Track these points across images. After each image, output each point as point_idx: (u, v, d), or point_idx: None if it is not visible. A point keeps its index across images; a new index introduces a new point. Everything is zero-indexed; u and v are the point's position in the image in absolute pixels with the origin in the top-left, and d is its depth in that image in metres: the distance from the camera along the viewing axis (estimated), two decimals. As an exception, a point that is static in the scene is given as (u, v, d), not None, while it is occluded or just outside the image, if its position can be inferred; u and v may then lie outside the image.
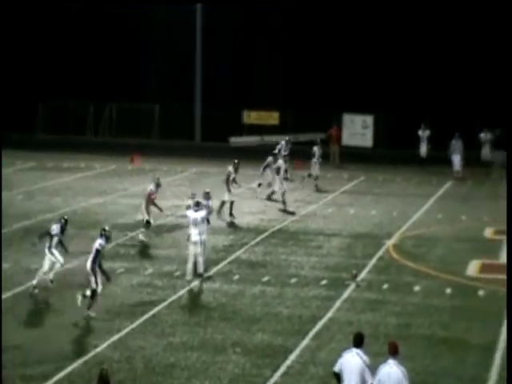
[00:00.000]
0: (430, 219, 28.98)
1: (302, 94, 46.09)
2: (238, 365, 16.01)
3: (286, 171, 30.64)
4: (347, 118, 46.31)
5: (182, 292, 20.28)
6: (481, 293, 20.65)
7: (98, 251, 18.64)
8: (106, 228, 19.18)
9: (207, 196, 23.35)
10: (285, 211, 29.49)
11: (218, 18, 47.24)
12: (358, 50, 45.50)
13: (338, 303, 19.69)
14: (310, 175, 34.24)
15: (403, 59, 44.80)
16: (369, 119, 46.22)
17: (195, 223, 21.01)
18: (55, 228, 19.96)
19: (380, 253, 24.26)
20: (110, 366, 14.91)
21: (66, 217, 20.46)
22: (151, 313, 18.73)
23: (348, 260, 23.44)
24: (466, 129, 40.42)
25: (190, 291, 20.47)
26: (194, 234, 20.92)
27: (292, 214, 29.27)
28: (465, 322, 18.62)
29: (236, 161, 28.45)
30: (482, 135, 39.50)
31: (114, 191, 32.90)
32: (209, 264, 22.11)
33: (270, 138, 46.43)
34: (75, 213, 28.45)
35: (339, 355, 12.81)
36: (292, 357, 16.43)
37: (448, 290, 20.74)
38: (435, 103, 43.85)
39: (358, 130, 46.27)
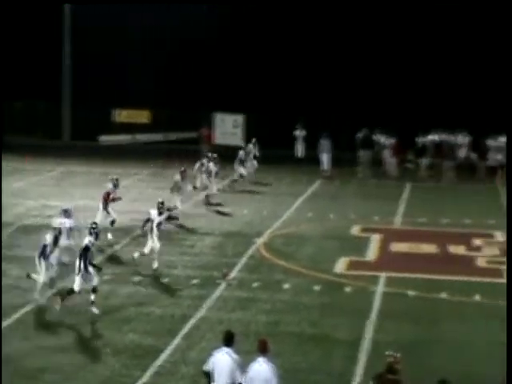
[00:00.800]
0: (299, 218, 29.45)
1: (174, 92, 46.02)
2: (108, 366, 15.88)
3: (216, 173, 30.97)
4: (218, 118, 46.58)
5: (50, 293, 19.93)
6: (348, 289, 21.12)
7: (88, 248, 18.21)
8: (94, 225, 18.68)
9: (161, 206, 22.45)
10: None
11: (87, 16, 46.63)
12: (228, 49, 45.74)
13: (209, 302, 19.79)
14: (241, 175, 35.02)
15: (274, 60, 45.26)
16: (239, 119, 46.59)
17: (64, 227, 21.07)
18: (48, 238, 19.05)
19: (250, 251, 24.51)
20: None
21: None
22: (17, 315, 18.34)
23: (219, 259, 23.58)
24: (337, 129, 41.33)
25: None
26: (63, 238, 20.93)
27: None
28: (332, 318, 18.99)
29: (183, 168, 28.54)
30: (359, 135, 40.29)
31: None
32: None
33: (142, 137, 46.21)
34: None
35: (210, 354, 12.90)
36: (163, 356, 16.42)
37: (317, 288, 21.14)
38: (306, 104, 44.48)
39: (228, 129, 46.60)
